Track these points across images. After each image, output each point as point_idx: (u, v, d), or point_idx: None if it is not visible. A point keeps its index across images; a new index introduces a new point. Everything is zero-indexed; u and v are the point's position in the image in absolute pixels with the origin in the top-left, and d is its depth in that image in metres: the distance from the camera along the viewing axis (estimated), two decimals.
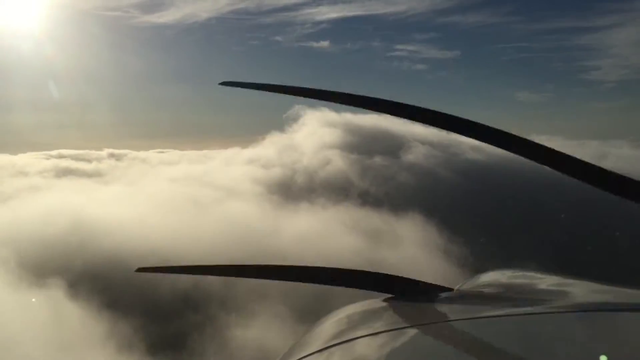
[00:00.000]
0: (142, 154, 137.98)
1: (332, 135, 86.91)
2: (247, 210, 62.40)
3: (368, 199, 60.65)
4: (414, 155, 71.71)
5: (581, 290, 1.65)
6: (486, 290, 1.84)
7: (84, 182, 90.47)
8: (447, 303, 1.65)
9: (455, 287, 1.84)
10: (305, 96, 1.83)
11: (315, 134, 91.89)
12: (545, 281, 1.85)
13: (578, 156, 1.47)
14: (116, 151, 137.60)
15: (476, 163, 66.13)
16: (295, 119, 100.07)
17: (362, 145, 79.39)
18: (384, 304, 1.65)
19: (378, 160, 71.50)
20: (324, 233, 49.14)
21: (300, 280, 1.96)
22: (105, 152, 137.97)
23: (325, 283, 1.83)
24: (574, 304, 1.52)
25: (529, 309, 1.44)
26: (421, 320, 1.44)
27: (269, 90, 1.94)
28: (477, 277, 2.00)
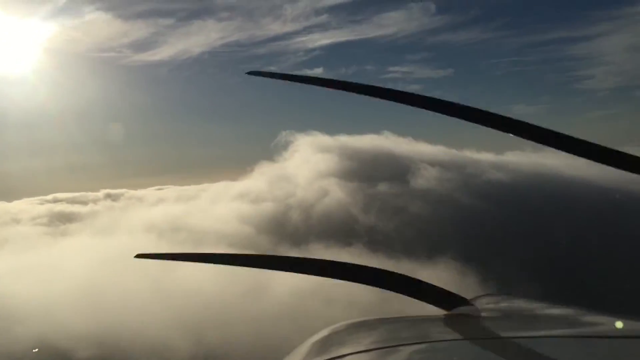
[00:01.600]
0: (139, 192, 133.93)
1: (327, 161, 76.41)
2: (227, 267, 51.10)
3: (377, 239, 49.93)
4: (425, 180, 61.09)
5: (570, 317, 1.70)
6: (480, 313, 1.83)
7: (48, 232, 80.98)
8: (440, 324, 1.66)
9: (452, 310, 1.85)
10: (329, 87, 1.91)
11: (308, 162, 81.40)
12: (536, 307, 1.87)
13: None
14: (113, 191, 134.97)
15: (500, 184, 55.56)
16: (284, 146, 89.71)
17: (362, 171, 68.79)
18: (377, 322, 1.72)
19: (383, 187, 60.92)
20: (326, 290, 38.18)
21: (308, 273, 1.97)
22: (101, 193, 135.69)
23: (334, 277, 1.89)
24: (560, 330, 1.57)
25: (518, 334, 1.48)
26: (410, 339, 1.46)
27: (293, 80, 2.08)
28: (473, 300, 1.97)
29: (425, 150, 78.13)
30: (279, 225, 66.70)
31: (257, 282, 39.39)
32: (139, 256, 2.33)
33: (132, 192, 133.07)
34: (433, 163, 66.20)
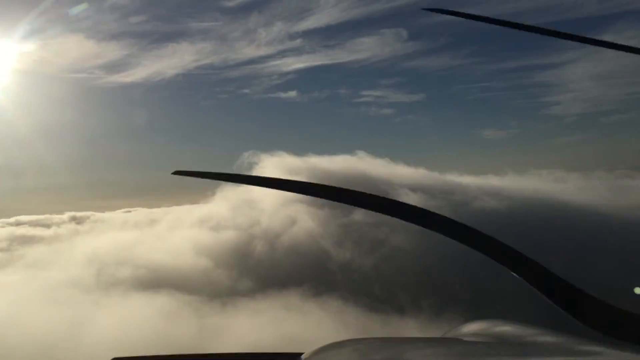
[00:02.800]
0: (105, 215, 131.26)
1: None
2: (174, 307, 42.87)
3: (353, 278, 42.07)
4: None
5: (563, 344, 1.66)
6: (470, 338, 1.82)
7: None
8: (429, 347, 1.67)
9: (445, 334, 1.90)
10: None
11: None
12: (526, 332, 1.84)
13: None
14: (78, 214, 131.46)
15: (496, 213, 48.21)
16: (248, 167, 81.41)
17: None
18: (369, 343, 1.71)
19: (359, 216, 52.97)
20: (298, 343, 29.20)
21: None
22: (66, 215, 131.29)
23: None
24: (555, 357, 1.55)
25: (505, 358, 1.48)
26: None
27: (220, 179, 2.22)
28: (462, 326, 1.99)
29: (404, 173, 70.93)
30: (240, 258, 58.35)
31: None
32: (176, 172, 2.28)
33: (98, 215, 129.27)
34: (414, 188, 58.84)
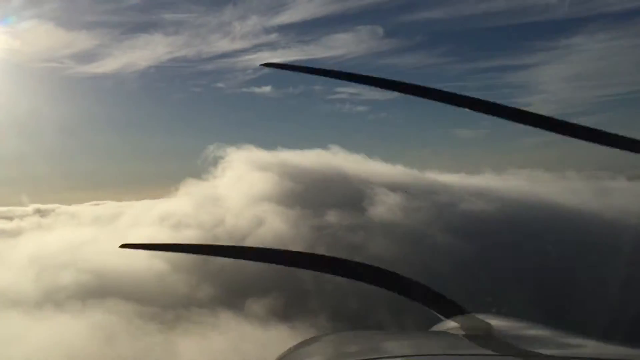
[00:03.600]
0: (72, 207, 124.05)
1: (264, 181, 62.61)
2: (120, 320, 37.22)
3: (326, 290, 36.79)
4: (386, 209, 48.22)
5: (558, 340, 1.69)
6: (465, 331, 1.82)
7: None
8: (424, 340, 1.71)
9: (434, 327, 1.92)
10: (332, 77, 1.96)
11: (241, 181, 67.41)
12: (519, 327, 1.87)
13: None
14: (43, 206, 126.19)
15: (486, 216, 43.55)
16: (214, 161, 75.34)
17: (307, 195, 55.43)
18: (360, 335, 1.79)
19: (333, 217, 47.75)
20: None
21: (293, 266, 2.03)
22: (31, 207, 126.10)
23: (332, 273, 1.96)
24: (548, 352, 1.55)
25: (496, 353, 1.49)
26: (391, 353, 1.50)
27: (309, 72, 2.08)
28: (450, 319, 1.96)
29: (381, 170, 65.85)
30: (200, 263, 52.36)
31: None
32: (124, 246, 2.26)
33: (64, 208, 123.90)
34: (393, 187, 53.73)
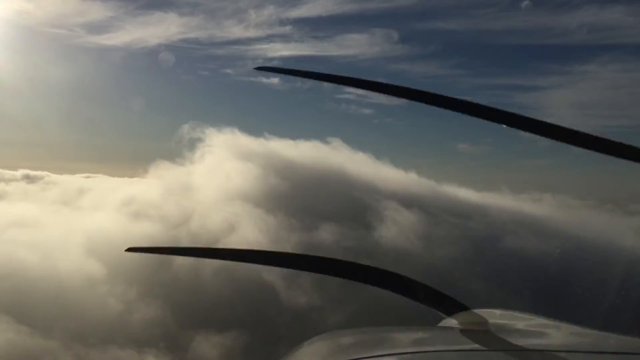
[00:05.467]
0: (62, 177, 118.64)
1: (245, 174, 50.38)
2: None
3: (309, 332, 24.22)
4: (398, 231, 36.23)
5: (561, 332, 1.69)
6: (469, 326, 1.83)
7: None
8: (429, 335, 1.68)
9: (440, 322, 1.87)
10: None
11: (219, 171, 55.12)
12: (525, 321, 1.87)
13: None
14: (32, 172, 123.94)
15: (543, 260, 30.91)
16: (190, 144, 63.13)
17: (295, 198, 43.26)
18: (362, 333, 1.72)
19: (326, 233, 35.73)
20: None
21: (292, 267, 1.98)
22: (20, 172, 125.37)
23: (325, 273, 1.91)
24: (552, 344, 1.58)
25: (505, 346, 1.48)
26: (399, 349, 1.48)
27: (303, 76, 2.01)
28: (456, 315, 1.94)
29: (391, 176, 53.95)
30: (147, 272, 40.44)
31: None
32: (130, 249, 2.19)
33: (54, 177, 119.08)
34: (407, 201, 41.86)
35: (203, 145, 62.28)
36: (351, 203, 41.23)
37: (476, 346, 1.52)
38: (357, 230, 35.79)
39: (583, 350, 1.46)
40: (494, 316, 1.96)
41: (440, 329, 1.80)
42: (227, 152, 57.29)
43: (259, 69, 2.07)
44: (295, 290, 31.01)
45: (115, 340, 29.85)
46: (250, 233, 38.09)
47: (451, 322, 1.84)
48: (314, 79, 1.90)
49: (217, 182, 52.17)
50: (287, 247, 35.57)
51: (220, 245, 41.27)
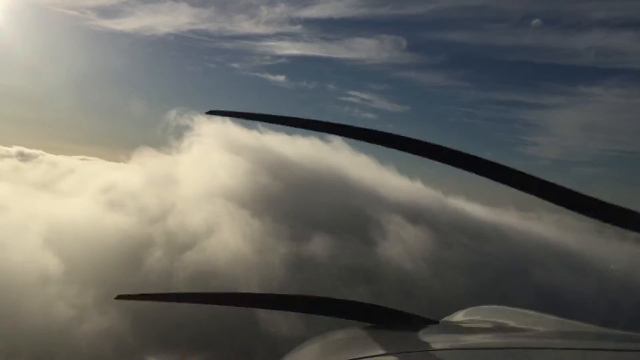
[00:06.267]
0: (57, 158, 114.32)
1: (233, 170, 45.09)
2: None
3: None
4: (402, 250, 31.06)
5: (565, 329, 1.68)
6: (471, 324, 1.83)
7: None
8: (432, 333, 1.66)
9: (442, 320, 1.81)
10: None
11: (204, 163, 49.84)
12: (530, 318, 1.84)
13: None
14: (27, 150, 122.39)
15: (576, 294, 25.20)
16: (177, 131, 57.78)
17: (286, 201, 38.05)
18: (365, 331, 1.67)
19: (318, 246, 30.47)
20: None
21: (283, 309, 1.89)
22: (14, 149, 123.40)
23: (308, 312, 1.87)
24: (557, 341, 1.57)
25: (509, 343, 1.47)
26: (401, 348, 1.47)
27: (254, 119, 1.98)
28: (463, 311, 1.96)
29: (395, 183, 48.82)
30: (109, 271, 35.25)
31: None
32: (120, 297, 2.13)
33: (48, 156, 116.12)
34: (413, 215, 36.74)
35: (192, 134, 57.19)
36: (350, 212, 36.04)
37: (478, 344, 1.47)
38: (355, 245, 30.61)
39: (587, 348, 1.42)
40: (497, 313, 1.89)
41: (441, 327, 1.72)
42: (216, 143, 52.22)
43: (211, 112, 1.98)
44: (277, 320, 25.85)
45: (53, 357, 24.85)
46: (231, 237, 32.89)
47: (453, 319, 1.82)
48: (263, 121, 1.86)
49: (202, 175, 47.02)
50: (272, 257, 30.38)
51: (195, 248, 36.16)
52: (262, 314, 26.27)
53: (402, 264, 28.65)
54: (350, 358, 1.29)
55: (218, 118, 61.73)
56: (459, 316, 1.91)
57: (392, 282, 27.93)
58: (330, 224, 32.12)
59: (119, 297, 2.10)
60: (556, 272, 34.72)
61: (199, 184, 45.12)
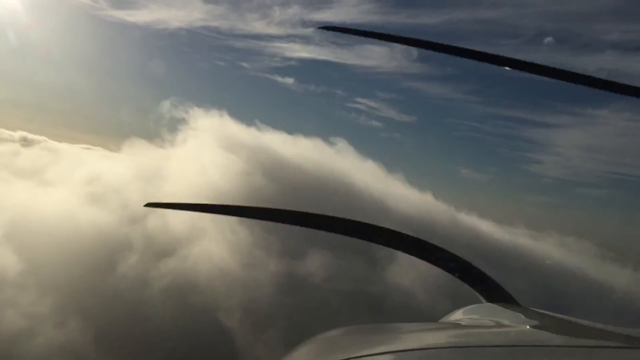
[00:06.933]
0: (60, 145, 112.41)
1: (225, 169, 40.72)
2: None
3: None
4: (412, 275, 26.49)
5: (567, 327, 1.67)
6: (471, 322, 1.83)
7: None
8: (431, 331, 1.66)
9: (442, 318, 1.82)
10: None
11: (196, 159, 45.44)
12: (529, 315, 1.82)
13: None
14: (30, 136, 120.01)
15: None
16: (171, 123, 53.53)
17: (285, 208, 33.70)
18: (365, 329, 1.67)
19: (315, 265, 26.06)
20: None
21: (323, 229, 2.04)
22: (18, 134, 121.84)
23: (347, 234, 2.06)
24: (556, 338, 1.57)
25: (509, 341, 1.46)
26: (401, 346, 1.46)
27: (371, 37, 2.03)
28: (462, 309, 1.96)
29: (403, 194, 44.35)
30: (75, 273, 30.99)
31: None
32: (149, 205, 2.18)
33: (51, 143, 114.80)
34: (425, 230, 32.32)
35: (188, 128, 52.90)
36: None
37: (478, 342, 1.46)
38: (358, 266, 26.16)
39: (586, 345, 1.42)
40: (496, 311, 1.89)
41: (441, 325, 1.73)
42: (211, 139, 47.86)
43: (323, 28, 2.06)
44: (256, 341, 21.44)
45: None
46: (216, 247, 28.57)
47: (452, 318, 1.79)
48: (377, 38, 1.94)
49: (193, 173, 42.78)
50: (259, 274, 25.99)
51: (175, 256, 31.84)
52: (235, 330, 21.96)
53: (411, 294, 24.15)
54: (349, 357, 1.26)
55: (216, 112, 57.34)
56: (458, 314, 1.86)
57: (399, 313, 23.53)
58: (330, 238, 27.73)
59: (148, 205, 2.14)
60: (566, 293, 30.97)
61: (188, 182, 40.86)
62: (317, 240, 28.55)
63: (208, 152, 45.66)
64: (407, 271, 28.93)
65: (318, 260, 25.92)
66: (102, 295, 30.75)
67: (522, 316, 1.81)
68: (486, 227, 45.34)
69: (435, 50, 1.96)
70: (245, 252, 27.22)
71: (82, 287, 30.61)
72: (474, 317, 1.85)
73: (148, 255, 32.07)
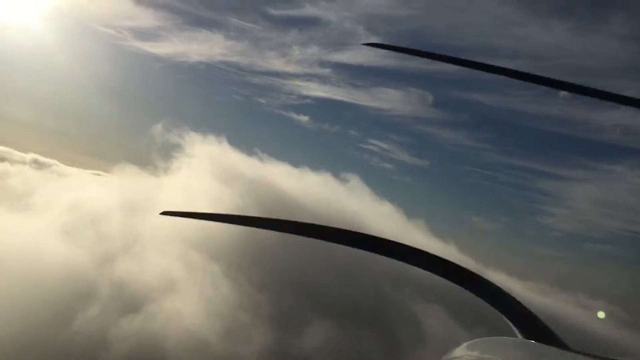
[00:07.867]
0: (71, 170, 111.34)
1: (219, 205, 35.02)
2: None
3: None
4: (437, 344, 20.46)
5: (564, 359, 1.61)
6: (478, 357, 1.77)
7: None
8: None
9: (443, 357, 1.75)
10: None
11: (187, 191, 39.87)
12: (530, 349, 1.80)
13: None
14: (42, 158, 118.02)
15: None
16: (164, 149, 48.50)
17: (282, 259, 27.73)
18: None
19: (315, 339, 20.03)
20: None
21: (342, 243, 2.14)
22: (29, 156, 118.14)
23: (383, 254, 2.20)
24: None
25: None
26: None
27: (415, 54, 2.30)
28: (464, 345, 1.91)
29: (424, 245, 38.44)
30: (27, 323, 25.07)
31: None
32: (164, 213, 2.31)
33: (62, 167, 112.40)
34: (450, 295, 26.33)
35: (182, 155, 47.78)
36: (365, 286, 25.37)
37: None
38: (370, 341, 19.87)
39: None
40: (498, 346, 1.80)
41: None
42: (207, 168, 42.43)
43: (369, 44, 2.12)
44: None
45: None
46: (191, 305, 22.62)
47: (455, 355, 1.71)
48: (418, 56, 2.12)
49: (181, 208, 37.18)
50: (240, 347, 19.92)
51: (142, 312, 25.97)
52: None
53: None
54: None
55: (213, 139, 52.23)
56: (460, 351, 1.80)
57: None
58: (336, 301, 21.47)
59: (164, 213, 2.22)
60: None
61: (173, 221, 35.17)
62: (320, 303, 22.44)
63: (201, 183, 40.35)
64: (430, 341, 22.69)
65: (318, 332, 19.71)
66: (51, 349, 24.97)
67: (523, 350, 1.73)
68: (515, 288, 39.44)
69: (479, 69, 1.95)
70: (227, 315, 21.12)
71: (31, 338, 24.89)
72: (474, 353, 1.76)
73: (111, 307, 26.26)
